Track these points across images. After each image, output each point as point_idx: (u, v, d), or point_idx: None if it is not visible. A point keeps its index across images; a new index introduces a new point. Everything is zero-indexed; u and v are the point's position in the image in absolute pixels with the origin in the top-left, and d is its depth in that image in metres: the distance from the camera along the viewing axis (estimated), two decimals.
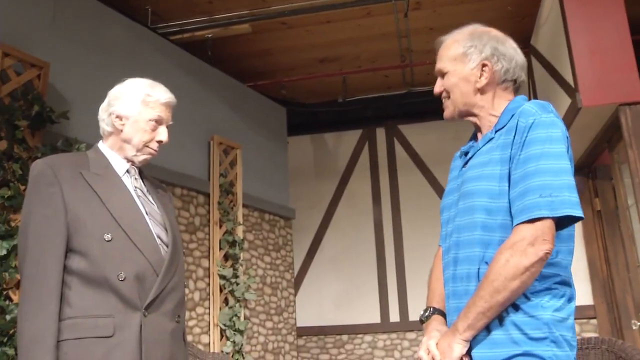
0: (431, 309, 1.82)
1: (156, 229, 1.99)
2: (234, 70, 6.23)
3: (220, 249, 5.26)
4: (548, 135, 1.52)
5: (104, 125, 2.05)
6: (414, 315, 6.73)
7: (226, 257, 5.36)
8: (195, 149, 5.31)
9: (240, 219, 5.52)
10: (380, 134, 7.42)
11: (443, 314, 1.81)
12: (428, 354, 1.67)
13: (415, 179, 7.16)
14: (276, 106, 6.74)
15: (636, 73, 4.18)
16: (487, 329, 1.58)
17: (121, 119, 2.03)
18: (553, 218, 1.46)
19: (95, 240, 1.83)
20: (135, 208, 1.98)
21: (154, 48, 5.09)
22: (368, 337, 6.81)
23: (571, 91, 4.31)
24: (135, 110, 2.03)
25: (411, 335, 6.72)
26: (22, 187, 3.63)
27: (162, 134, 2.09)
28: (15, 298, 3.54)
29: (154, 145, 2.08)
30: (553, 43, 4.79)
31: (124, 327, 1.81)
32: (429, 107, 7.14)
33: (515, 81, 1.74)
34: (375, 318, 6.84)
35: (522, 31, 5.86)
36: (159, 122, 2.07)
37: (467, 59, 1.78)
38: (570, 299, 1.61)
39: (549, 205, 1.45)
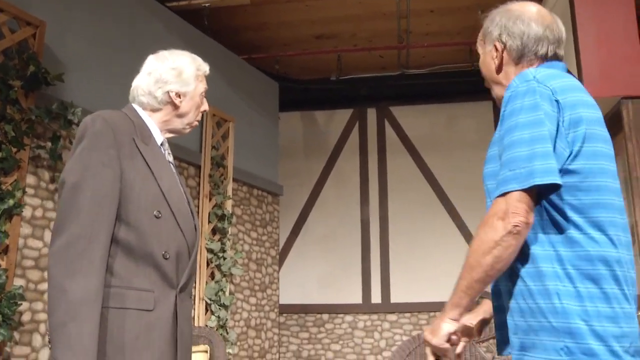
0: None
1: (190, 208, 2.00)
2: (229, 42, 6.10)
3: (209, 222, 5.19)
4: (521, 105, 1.49)
5: (152, 100, 1.99)
6: (396, 297, 6.76)
7: (214, 231, 5.30)
8: None
9: (229, 193, 5.45)
10: (372, 114, 7.38)
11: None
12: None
13: (404, 162, 7.15)
14: (269, 81, 6.65)
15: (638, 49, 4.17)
16: None
17: (179, 96, 2.00)
18: (524, 190, 1.43)
19: (145, 215, 1.81)
20: (178, 186, 1.96)
21: (150, 13, 4.96)
22: (349, 317, 6.83)
23: None
24: (192, 86, 2.02)
25: (392, 317, 6.75)
26: (14, 150, 3.52)
27: (205, 104, 2.10)
28: (3, 263, 3.45)
29: (199, 117, 2.09)
30: None
31: (162, 303, 1.81)
32: (422, 90, 7.14)
33: (537, 53, 1.67)
34: (357, 298, 6.86)
35: None
36: (204, 93, 2.09)
37: (486, 40, 1.78)
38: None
39: (517, 178, 1.43)
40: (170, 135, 2.04)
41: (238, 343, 5.47)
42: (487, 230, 1.47)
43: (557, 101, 1.49)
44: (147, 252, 1.80)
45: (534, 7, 1.71)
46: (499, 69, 1.74)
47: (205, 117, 5.33)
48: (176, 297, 1.85)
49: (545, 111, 1.47)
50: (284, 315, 6.82)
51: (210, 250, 5.11)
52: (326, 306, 6.86)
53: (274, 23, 6.07)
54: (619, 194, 1.53)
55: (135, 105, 2.00)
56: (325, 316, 6.87)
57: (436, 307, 6.54)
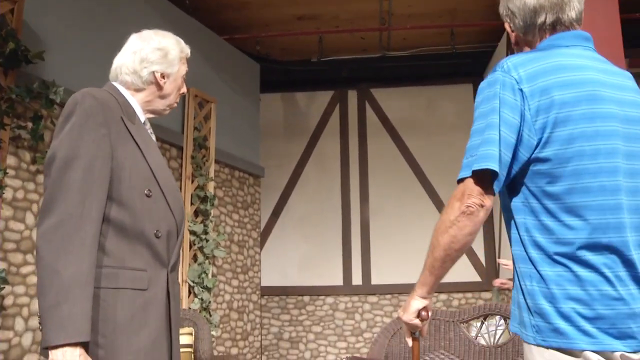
0: None
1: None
2: (210, 21, 6.01)
3: (191, 204, 5.15)
4: (483, 96, 1.56)
5: (136, 80, 1.97)
6: (377, 279, 6.81)
7: (196, 213, 5.26)
8: None
9: (212, 175, 5.41)
10: (352, 96, 7.36)
11: None
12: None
13: (385, 144, 7.16)
14: (250, 62, 6.58)
15: (622, 51, 4.24)
16: None
17: (164, 77, 1.99)
18: (476, 175, 1.50)
19: (137, 193, 1.80)
20: (165, 164, 1.98)
21: None
22: (330, 299, 6.86)
23: None
24: (176, 67, 2.02)
25: (373, 298, 6.80)
26: None
27: (184, 86, 2.10)
28: None
29: (178, 99, 2.09)
30: None
31: (155, 282, 1.81)
32: (403, 72, 7.14)
33: (536, 24, 1.64)
34: (338, 280, 6.89)
35: None
36: (184, 76, 2.10)
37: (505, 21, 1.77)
38: None
39: (469, 165, 1.51)
40: (151, 115, 2.04)
41: (221, 325, 5.46)
42: (446, 211, 1.55)
43: (520, 90, 1.50)
44: (140, 231, 1.79)
45: None
46: (518, 46, 1.74)
47: (187, 98, 5.26)
48: (168, 276, 1.86)
49: (502, 100, 1.49)
50: (265, 297, 6.83)
51: (193, 233, 5.08)
52: (307, 288, 6.88)
53: (256, 3, 5.99)
54: (612, 172, 1.48)
55: (117, 84, 1.98)
56: (307, 298, 6.89)
57: (410, 289, 6.61)
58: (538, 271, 1.50)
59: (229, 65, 6.15)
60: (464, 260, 6.46)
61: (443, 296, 6.74)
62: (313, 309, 6.86)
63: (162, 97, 2.01)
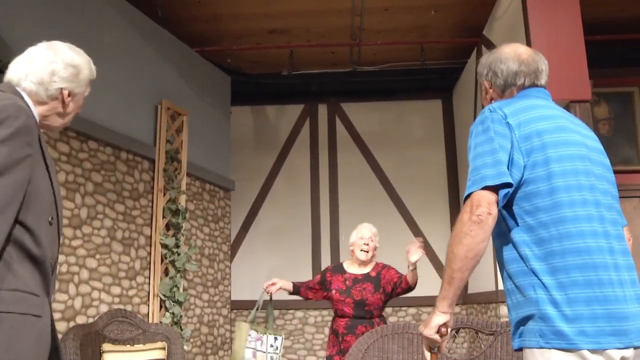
0: None
1: None
2: (182, 33, 5.98)
3: (163, 217, 5.09)
4: (477, 130, 1.83)
5: (42, 92, 1.86)
6: None
7: (168, 226, 5.20)
8: (142, 113, 5.09)
9: (183, 188, 5.36)
10: (323, 110, 7.40)
11: None
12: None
13: (355, 157, 7.21)
14: (221, 74, 6.56)
15: (587, 72, 4.38)
16: None
17: (69, 95, 1.92)
18: (482, 189, 1.71)
19: (43, 220, 1.75)
20: (59, 189, 1.91)
21: (104, 0, 4.79)
22: (299, 313, 6.84)
23: None
24: (83, 88, 1.97)
25: None
26: None
27: (80, 107, 2.03)
28: None
29: (72, 119, 2.03)
30: (510, 36, 4.91)
31: (44, 309, 1.76)
32: (373, 87, 7.22)
33: (516, 84, 1.98)
34: None
35: (472, 20, 5.98)
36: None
37: (480, 79, 2.12)
38: None
39: (475, 184, 1.73)
40: (42, 130, 1.93)
41: (191, 340, 5.39)
42: (457, 225, 1.73)
43: (507, 123, 1.78)
44: (41, 257, 1.74)
45: (509, 48, 2.05)
46: (490, 101, 2.05)
47: (159, 111, 5.21)
48: (50, 303, 1.82)
49: (495, 131, 1.78)
50: (235, 311, 6.76)
51: (164, 246, 5.02)
52: (276, 302, 6.77)
53: (227, 15, 5.98)
54: (580, 188, 1.73)
55: (21, 91, 1.85)
56: (276, 312, 6.84)
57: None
58: (541, 280, 1.67)
59: (200, 77, 6.12)
60: (433, 274, 6.53)
61: (412, 310, 6.79)
62: (282, 323, 6.82)
63: (62, 115, 1.93)
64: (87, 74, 1.97)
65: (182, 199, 5.32)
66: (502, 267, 1.82)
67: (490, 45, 5.55)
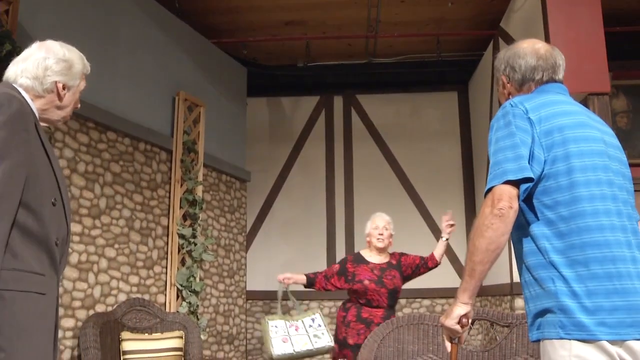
0: None
1: None
2: (199, 24, 6.01)
3: (180, 207, 5.14)
4: (499, 124, 1.85)
5: (37, 86, 1.98)
6: None
7: (184, 217, 5.25)
8: (160, 104, 5.13)
9: (200, 178, 5.40)
10: (338, 102, 7.40)
11: None
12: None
13: (370, 149, 7.22)
14: (238, 66, 6.59)
15: (606, 65, 4.35)
16: None
17: (64, 88, 2.04)
18: (503, 184, 1.74)
19: (46, 201, 1.86)
20: (61, 172, 2.03)
21: None
22: (313, 304, 6.87)
23: None
24: (77, 81, 2.09)
25: None
26: None
27: (79, 101, 2.16)
28: None
29: (72, 112, 2.15)
30: (528, 29, 4.89)
31: (50, 287, 1.87)
32: (388, 79, 7.21)
33: (534, 79, 2.00)
34: None
35: (489, 12, 5.96)
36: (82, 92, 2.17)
37: (497, 74, 2.15)
38: None
39: (497, 177, 1.75)
40: (44, 124, 2.05)
41: (207, 329, 5.45)
42: (479, 218, 1.76)
43: (529, 118, 1.81)
44: (45, 237, 1.84)
45: (527, 44, 2.06)
46: (508, 95, 2.08)
47: (177, 102, 5.25)
48: (57, 282, 1.94)
49: (516, 125, 1.80)
50: (250, 301, 6.82)
51: (181, 236, 5.07)
52: (291, 293, 6.87)
53: (245, 7, 6.00)
54: (599, 183, 1.76)
55: (18, 87, 1.97)
56: (290, 303, 6.88)
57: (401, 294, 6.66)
58: (560, 273, 1.70)
59: (216, 68, 6.15)
60: (447, 266, 6.53)
61: (426, 302, 6.80)
62: (296, 314, 6.85)
63: (60, 107, 2.05)
64: (79, 67, 2.07)
65: (199, 190, 5.36)
66: (520, 260, 1.84)
67: (508, 38, 5.52)
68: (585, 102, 4.36)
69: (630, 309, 1.63)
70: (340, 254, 6.96)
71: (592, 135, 1.83)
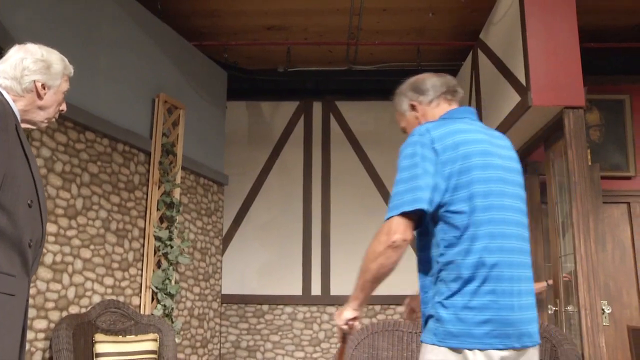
0: None
1: None
2: (181, 27, 6.00)
3: (157, 209, 5.11)
4: (405, 153, 1.95)
5: (16, 86, 2.01)
6: (336, 289, 6.88)
7: (161, 219, 5.22)
8: (140, 105, 5.11)
9: (178, 181, 5.38)
10: (317, 107, 7.44)
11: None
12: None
13: (348, 155, 7.26)
14: (218, 69, 6.58)
15: (581, 79, 4.45)
16: None
17: (44, 88, 2.06)
18: (400, 215, 1.87)
19: (21, 202, 1.86)
20: (39, 175, 2.03)
21: None
22: (288, 309, 6.89)
23: (522, 90, 4.52)
24: (58, 82, 2.10)
25: (331, 309, 6.86)
26: None
27: (64, 104, 2.18)
28: None
29: (57, 115, 2.17)
30: (507, 41, 4.97)
31: (20, 289, 1.87)
32: (368, 86, 7.26)
33: (440, 95, 2.22)
34: (297, 290, 6.92)
35: (469, 24, 6.05)
36: (66, 93, 2.18)
37: (400, 108, 2.34)
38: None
39: (396, 207, 1.88)
40: (27, 126, 2.07)
41: (181, 332, 5.43)
42: (375, 243, 1.90)
43: (434, 148, 1.92)
44: (17, 239, 1.84)
45: (420, 75, 2.28)
46: (417, 121, 2.21)
47: (157, 104, 5.23)
48: (29, 283, 1.94)
49: (422, 156, 1.91)
50: (224, 305, 6.80)
51: (158, 239, 5.04)
52: (266, 297, 6.89)
53: (227, 11, 6.00)
54: (492, 208, 1.91)
55: (2, 90, 2.01)
56: (265, 307, 6.90)
57: (375, 300, 6.70)
58: (447, 286, 1.88)
59: (197, 71, 6.14)
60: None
61: (401, 308, 6.84)
62: (271, 318, 6.87)
63: (42, 108, 2.06)
64: (58, 68, 2.10)
65: (177, 192, 5.35)
66: (418, 265, 2.03)
67: (486, 49, 5.61)
68: (560, 116, 4.45)
69: (500, 323, 1.83)
70: (316, 257, 6.99)
71: (492, 163, 1.97)
